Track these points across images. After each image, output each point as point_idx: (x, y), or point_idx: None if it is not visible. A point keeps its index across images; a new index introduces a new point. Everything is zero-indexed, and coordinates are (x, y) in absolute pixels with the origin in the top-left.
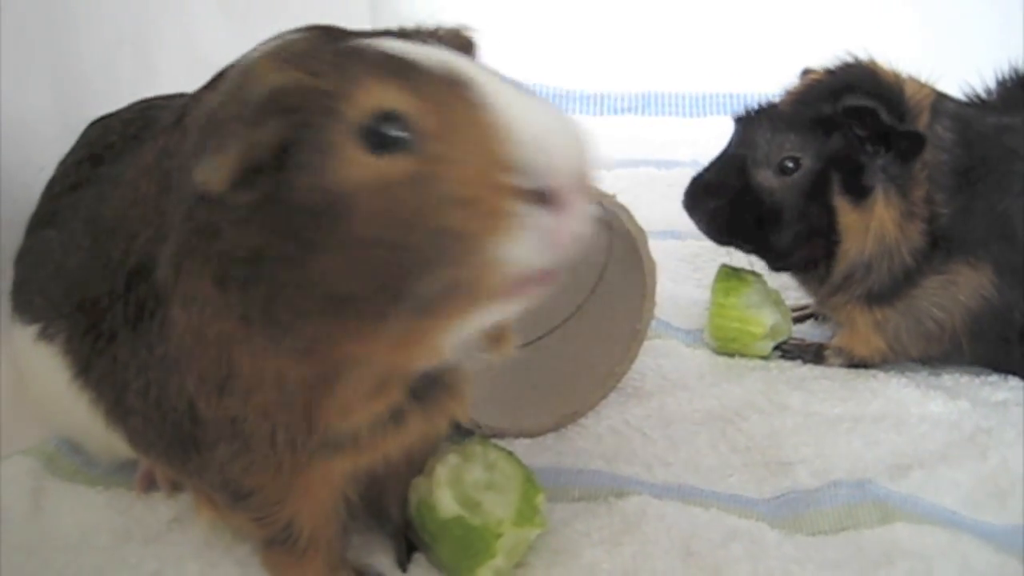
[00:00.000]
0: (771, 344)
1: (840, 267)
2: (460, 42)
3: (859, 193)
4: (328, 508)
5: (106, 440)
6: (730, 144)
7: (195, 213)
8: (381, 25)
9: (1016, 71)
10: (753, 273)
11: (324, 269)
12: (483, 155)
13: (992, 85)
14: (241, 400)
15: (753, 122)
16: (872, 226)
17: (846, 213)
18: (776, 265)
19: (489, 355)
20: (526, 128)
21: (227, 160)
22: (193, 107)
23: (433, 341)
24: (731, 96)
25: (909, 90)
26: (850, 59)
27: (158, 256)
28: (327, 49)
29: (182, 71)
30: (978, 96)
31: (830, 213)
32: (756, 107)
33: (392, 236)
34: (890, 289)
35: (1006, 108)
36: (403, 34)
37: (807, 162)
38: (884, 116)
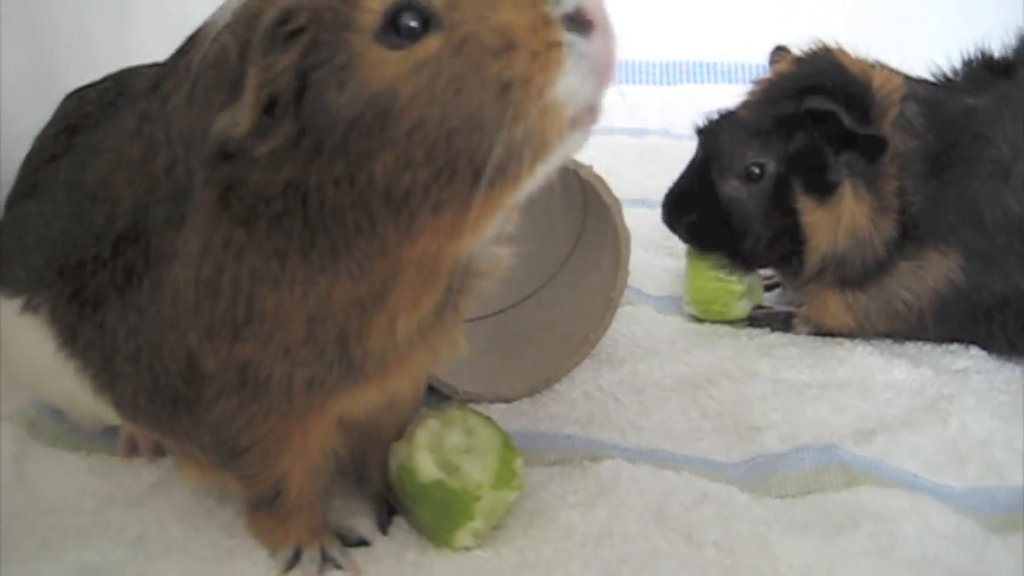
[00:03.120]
0: (749, 305)
1: (811, 262)
2: None
3: (823, 190)
4: (318, 462)
5: (92, 408)
6: (696, 155)
7: (215, 174)
8: None
9: (982, 52)
10: None
11: (378, 174)
12: None
13: (958, 66)
14: (259, 344)
15: (715, 132)
16: (843, 221)
17: (810, 212)
18: (751, 268)
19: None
20: None
21: (248, 98)
22: (170, 73)
23: (495, 212)
24: (702, 64)
25: (877, 82)
26: (817, 47)
27: (147, 220)
28: None
29: (159, 40)
30: (945, 77)
31: (794, 214)
32: (716, 115)
33: (443, 113)
34: (862, 276)
35: (972, 90)
36: None
37: (771, 167)
38: (845, 120)
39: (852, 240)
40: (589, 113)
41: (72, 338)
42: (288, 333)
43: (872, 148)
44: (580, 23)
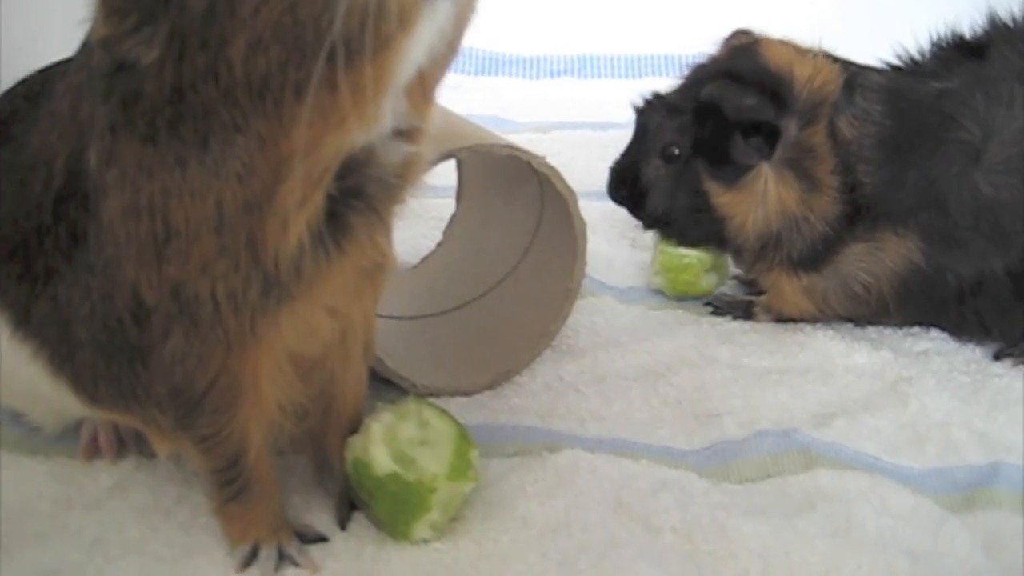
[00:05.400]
0: (716, 281)
1: (738, 240)
2: None
3: (731, 173)
4: (275, 417)
5: (51, 400)
6: (633, 134)
7: (114, 86)
8: None
9: (953, 33)
10: None
11: (235, 61)
12: None
13: (926, 47)
14: (181, 261)
15: (646, 112)
16: (769, 202)
17: (719, 194)
18: (684, 244)
19: (413, 126)
20: None
21: None
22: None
23: (372, 94)
24: (667, 57)
25: (802, 77)
26: (742, 38)
27: (81, 168)
28: None
29: None
30: (912, 60)
31: (703, 197)
32: (651, 96)
33: None
34: (812, 256)
35: (942, 72)
36: None
37: (686, 149)
38: (728, 110)
39: (784, 220)
40: None
41: (26, 319)
42: (202, 246)
43: (766, 136)
44: None
